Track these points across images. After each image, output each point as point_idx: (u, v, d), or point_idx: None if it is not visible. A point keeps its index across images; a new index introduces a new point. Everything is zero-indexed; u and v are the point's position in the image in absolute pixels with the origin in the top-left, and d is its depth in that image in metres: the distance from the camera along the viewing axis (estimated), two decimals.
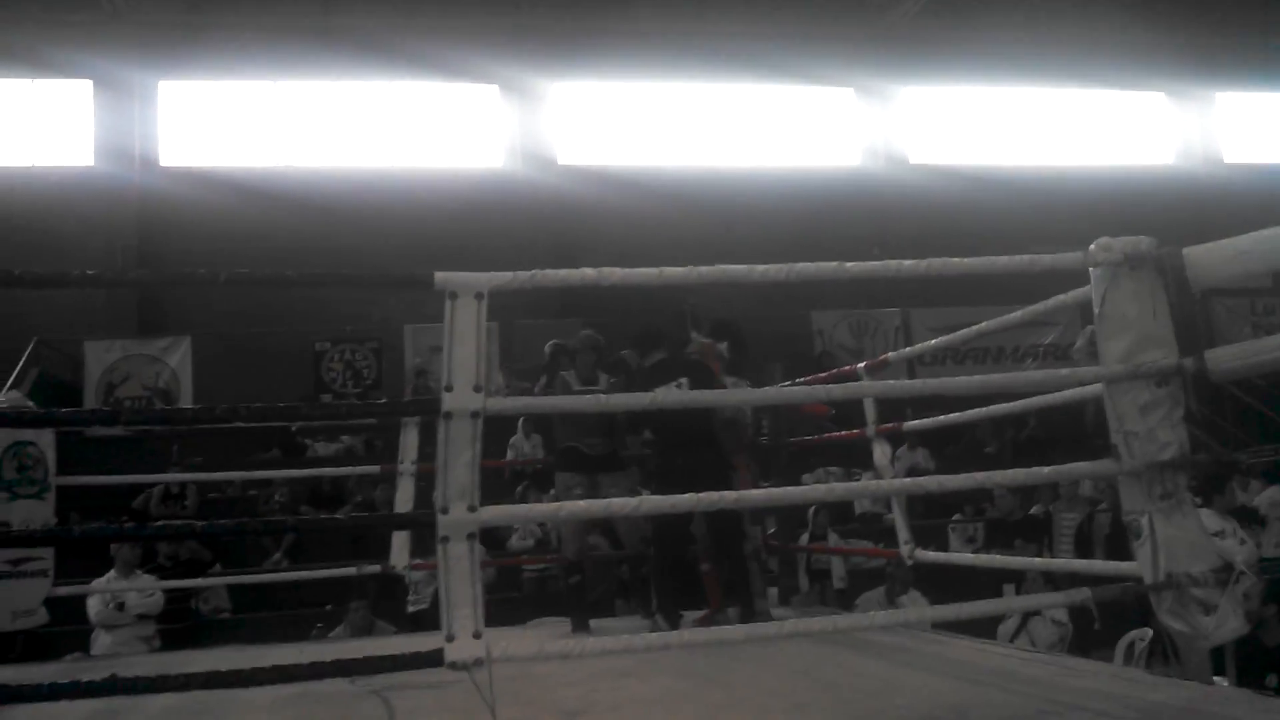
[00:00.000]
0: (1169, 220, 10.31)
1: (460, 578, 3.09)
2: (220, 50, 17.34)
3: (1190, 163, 20.45)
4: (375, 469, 7.51)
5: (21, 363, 13.67)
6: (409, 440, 6.79)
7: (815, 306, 16.72)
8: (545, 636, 6.43)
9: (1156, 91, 20.66)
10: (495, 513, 3.44)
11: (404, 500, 6.68)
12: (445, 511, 3.12)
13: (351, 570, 7.30)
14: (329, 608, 9.85)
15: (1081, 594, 3.50)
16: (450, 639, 3.06)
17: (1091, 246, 3.78)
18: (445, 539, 3.11)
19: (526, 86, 18.39)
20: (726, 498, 3.58)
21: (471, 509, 3.13)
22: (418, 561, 7.01)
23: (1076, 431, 13.49)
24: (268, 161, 17.64)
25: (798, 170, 19.05)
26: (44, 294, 15.62)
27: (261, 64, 17.62)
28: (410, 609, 9.59)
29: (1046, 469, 3.80)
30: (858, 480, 9.52)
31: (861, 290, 16.25)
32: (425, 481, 8.10)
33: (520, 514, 4.60)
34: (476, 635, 3.07)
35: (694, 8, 18.68)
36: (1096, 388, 4.02)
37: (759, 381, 7.00)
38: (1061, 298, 4.25)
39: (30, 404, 6.12)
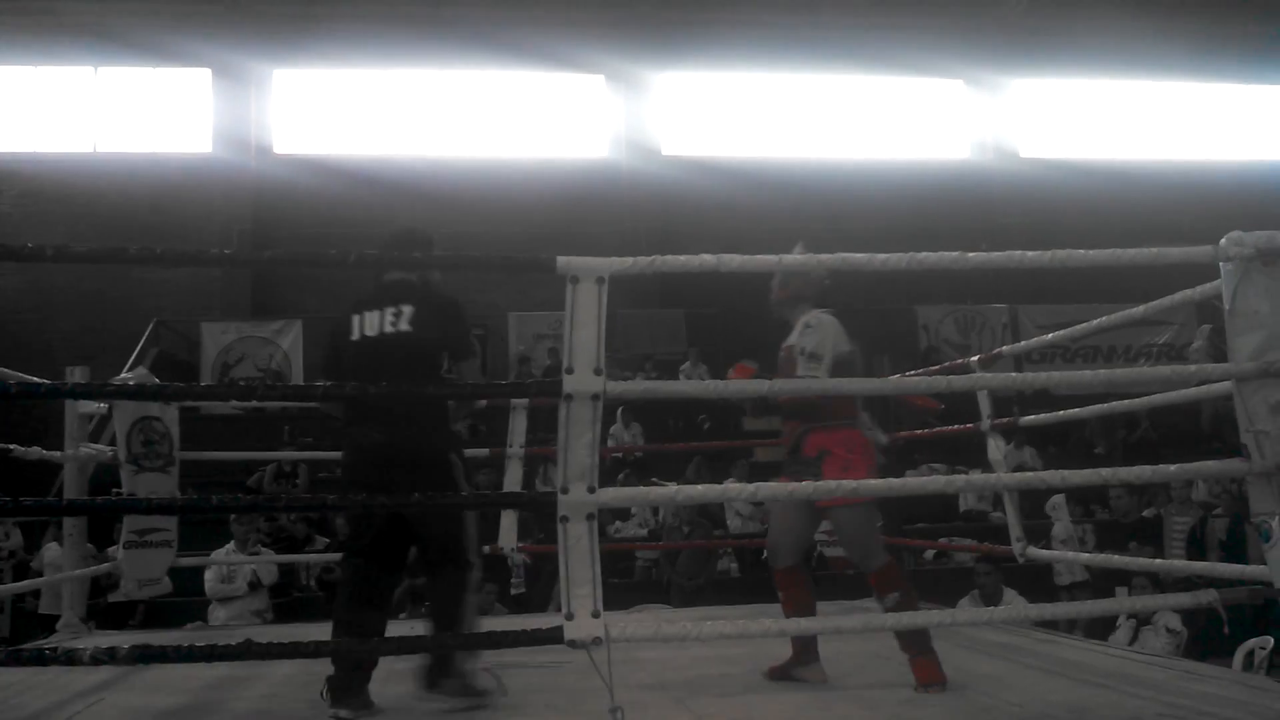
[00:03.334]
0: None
1: (580, 557, 3.12)
2: (333, 39, 17.75)
3: None
4: (483, 452, 7.61)
5: (142, 342, 14.13)
6: (517, 424, 6.85)
7: (921, 301, 16.49)
8: (657, 620, 6.47)
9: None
10: (613, 495, 3.48)
11: (512, 482, 6.74)
12: (565, 491, 3.16)
13: None
14: None
15: (1208, 595, 3.40)
16: (569, 617, 3.10)
17: (1222, 241, 3.66)
18: (565, 519, 3.15)
19: (632, 76, 18.46)
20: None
21: (591, 490, 3.17)
22: (522, 544, 7.09)
23: (1191, 433, 13.16)
24: (377, 150, 17.98)
25: (905, 163, 18.81)
26: (163, 277, 16.24)
27: (372, 53, 17.96)
28: (513, 591, 9.78)
29: (1173, 467, 3.69)
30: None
31: (968, 285, 15.99)
32: (528, 465, 8.23)
33: (637, 497, 4.63)
34: (595, 615, 3.11)
35: None
36: (1216, 388, 3.90)
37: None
38: (1186, 293, 4.13)
39: (155, 380, 6.28)
